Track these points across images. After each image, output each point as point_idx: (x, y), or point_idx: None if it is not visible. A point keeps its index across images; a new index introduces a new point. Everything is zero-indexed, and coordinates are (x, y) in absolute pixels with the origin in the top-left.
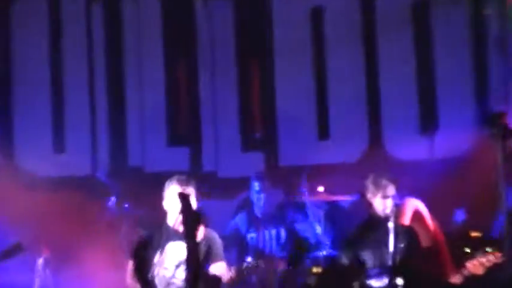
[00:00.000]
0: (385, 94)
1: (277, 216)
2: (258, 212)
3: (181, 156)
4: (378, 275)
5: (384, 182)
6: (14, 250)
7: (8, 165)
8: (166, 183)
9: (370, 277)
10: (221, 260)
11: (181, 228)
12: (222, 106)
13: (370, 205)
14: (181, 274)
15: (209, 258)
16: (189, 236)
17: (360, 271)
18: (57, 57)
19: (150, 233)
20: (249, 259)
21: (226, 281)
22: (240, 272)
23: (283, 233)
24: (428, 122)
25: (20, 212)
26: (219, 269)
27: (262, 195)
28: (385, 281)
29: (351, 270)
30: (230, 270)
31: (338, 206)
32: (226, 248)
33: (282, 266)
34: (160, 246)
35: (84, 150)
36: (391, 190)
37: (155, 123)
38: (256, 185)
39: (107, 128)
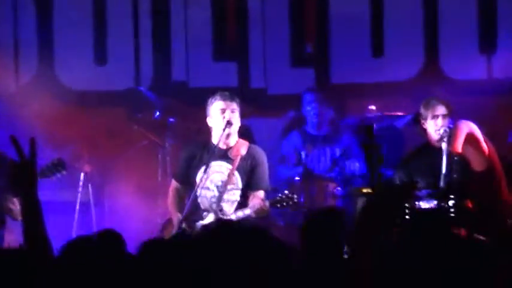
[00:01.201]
0: (443, 10)
1: (333, 135)
2: (310, 128)
3: (228, 71)
4: (428, 197)
5: (434, 101)
6: (55, 166)
7: (48, 79)
8: (210, 100)
9: (420, 199)
10: (262, 187)
11: (224, 146)
12: (272, 19)
13: (424, 131)
14: (227, 196)
15: (251, 180)
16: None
17: (410, 192)
18: None
19: (193, 151)
20: (297, 178)
21: (256, 210)
22: (273, 204)
23: (337, 151)
24: (487, 42)
25: (61, 127)
26: (256, 200)
27: (315, 108)
28: (435, 202)
29: (402, 191)
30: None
31: (391, 125)
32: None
33: (332, 187)
34: (203, 165)
35: (127, 62)
36: (441, 109)
37: (201, 36)
38: (308, 97)
39: (151, 40)
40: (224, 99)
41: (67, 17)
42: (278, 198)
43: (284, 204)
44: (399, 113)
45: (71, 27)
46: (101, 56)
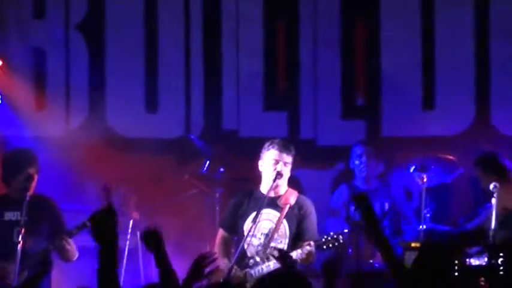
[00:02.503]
0: (495, 65)
1: (381, 188)
2: (359, 182)
3: (278, 121)
4: (478, 253)
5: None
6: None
7: (100, 126)
8: (267, 144)
9: (470, 255)
10: (310, 237)
11: (272, 194)
12: (323, 70)
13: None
14: (275, 243)
15: (299, 230)
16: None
17: (460, 248)
18: (153, 17)
19: (240, 199)
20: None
21: (304, 253)
22: (319, 246)
23: (386, 205)
24: None
25: (110, 173)
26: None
27: (364, 162)
28: (485, 259)
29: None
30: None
31: (439, 180)
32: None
33: None
34: (250, 213)
35: (178, 111)
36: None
37: (252, 86)
38: (358, 150)
39: (202, 89)
40: (280, 150)
41: (119, 63)
42: (324, 239)
43: (330, 246)
44: (450, 157)
45: (123, 73)
46: (152, 104)
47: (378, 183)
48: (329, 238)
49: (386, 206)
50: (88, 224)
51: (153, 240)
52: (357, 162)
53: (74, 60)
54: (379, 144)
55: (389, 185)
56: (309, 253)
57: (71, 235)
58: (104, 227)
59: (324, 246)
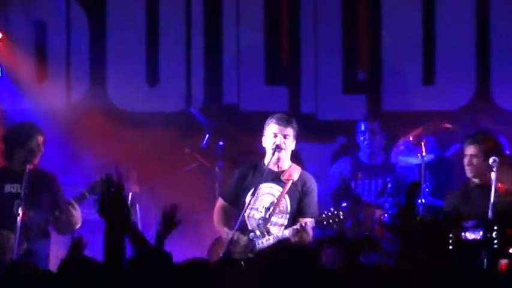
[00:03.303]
0: (495, 41)
1: (385, 164)
2: (363, 156)
3: (279, 95)
4: (474, 228)
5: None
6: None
7: (100, 99)
8: (267, 120)
9: (465, 229)
10: (311, 214)
11: (276, 169)
12: (324, 45)
13: None
14: (275, 219)
15: (300, 206)
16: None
17: (457, 222)
18: None
19: (244, 172)
20: (344, 205)
21: (294, 234)
22: (319, 223)
23: (389, 182)
24: None
25: (111, 146)
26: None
27: (367, 138)
28: (480, 233)
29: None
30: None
31: (440, 156)
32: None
33: (378, 214)
34: (253, 186)
35: (178, 84)
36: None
37: (253, 60)
38: (363, 126)
39: (203, 62)
40: (279, 123)
41: (120, 36)
42: (324, 216)
43: (330, 221)
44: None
45: (123, 46)
46: (152, 77)
47: (382, 158)
48: (329, 214)
49: (389, 182)
50: (87, 194)
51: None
52: (361, 138)
53: (75, 33)
54: (383, 120)
55: (392, 160)
56: (301, 232)
57: (71, 205)
58: (113, 205)
59: (324, 222)
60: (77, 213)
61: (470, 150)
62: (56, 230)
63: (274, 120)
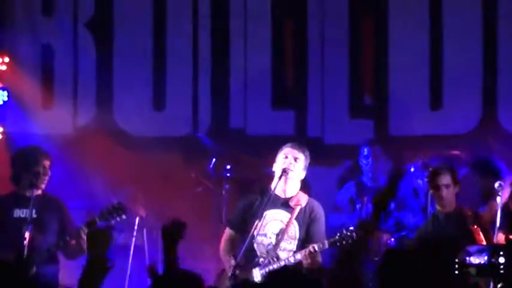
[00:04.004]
0: (502, 65)
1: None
2: (366, 180)
3: (285, 119)
4: (478, 252)
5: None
6: (116, 210)
7: (107, 124)
8: (282, 147)
9: (469, 254)
10: (320, 240)
11: (283, 195)
12: (331, 69)
13: None
14: (284, 245)
15: (308, 233)
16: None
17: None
18: (161, 15)
19: (251, 199)
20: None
21: (306, 256)
22: (333, 244)
23: (392, 203)
24: None
25: (117, 170)
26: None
27: (370, 162)
28: (485, 258)
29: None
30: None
31: None
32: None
33: (385, 238)
34: (260, 212)
35: (185, 109)
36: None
37: (260, 85)
38: (365, 151)
39: (210, 87)
40: (292, 147)
41: (127, 60)
42: (337, 237)
43: (344, 243)
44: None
45: (130, 70)
46: (159, 102)
47: (384, 180)
48: (342, 235)
49: (392, 203)
50: (98, 220)
51: (174, 234)
52: (364, 161)
53: (82, 57)
54: (386, 144)
55: (396, 184)
56: (311, 255)
57: (82, 231)
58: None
59: (338, 244)
60: (79, 245)
61: (445, 179)
62: (65, 256)
63: (288, 145)
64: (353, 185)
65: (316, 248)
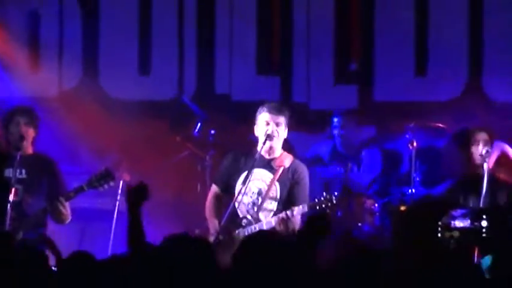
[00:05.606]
0: (488, 33)
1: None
2: (339, 146)
3: (271, 85)
4: (463, 216)
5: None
6: (104, 177)
7: (92, 87)
8: (259, 109)
9: (454, 218)
10: (302, 202)
11: (267, 156)
12: (316, 35)
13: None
14: (266, 203)
15: (290, 194)
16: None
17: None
18: None
19: (236, 157)
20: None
21: (280, 222)
22: (312, 207)
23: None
24: None
25: (102, 135)
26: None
27: (340, 133)
28: (468, 222)
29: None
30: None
31: (430, 144)
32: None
33: (369, 203)
34: (245, 171)
35: (170, 73)
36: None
37: (245, 50)
38: (335, 121)
39: (195, 52)
40: (271, 111)
41: (113, 25)
42: (317, 201)
43: (323, 206)
44: (440, 125)
45: (116, 35)
46: (145, 66)
47: (352, 148)
48: (322, 199)
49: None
50: (86, 188)
51: (137, 195)
52: (335, 131)
53: (68, 22)
54: (357, 114)
55: (375, 151)
56: (286, 221)
57: (68, 198)
58: (134, 200)
59: (317, 207)
60: (66, 210)
61: (483, 136)
62: (53, 220)
63: (265, 109)
64: (329, 145)
65: (289, 214)
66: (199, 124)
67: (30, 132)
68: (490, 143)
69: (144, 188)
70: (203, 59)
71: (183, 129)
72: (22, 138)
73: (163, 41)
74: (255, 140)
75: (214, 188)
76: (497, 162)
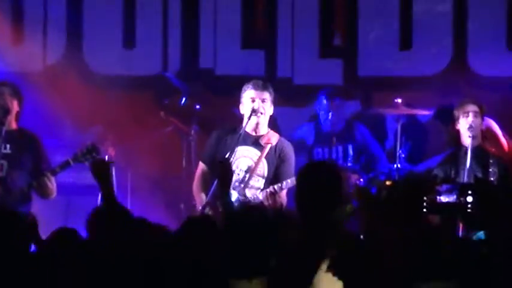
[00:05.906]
0: (473, 7)
1: (345, 133)
2: (324, 126)
3: (255, 59)
4: (448, 191)
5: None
6: (89, 152)
7: (76, 61)
8: (243, 87)
9: (440, 193)
10: (289, 177)
11: (254, 133)
12: (301, 9)
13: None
14: (252, 182)
15: (277, 172)
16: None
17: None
18: None
19: (222, 134)
20: None
21: (267, 197)
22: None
23: (350, 150)
24: None
25: (87, 110)
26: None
27: (326, 113)
28: (454, 197)
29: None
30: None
31: (416, 120)
32: None
33: (354, 178)
34: (231, 149)
35: (155, 48)
36: (472, 107)
37: (229, 24)
38: (323, 100)
39: (179, 26)
40: (256, 88)
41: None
42: None
43: None
44: (424, 112)
45: (100, 9)
46: (129, 40)
47: (342, 126)
48: None
49: (350, 149)
50: (71, 162)
51: (100, 170)
52: (322, 112)
53: None
54: (344, 91)
55: (353, 129)
56: (271, 196)
57: (54, 173)
58: (101, 173)
59: None
60: (52, 185)
61: (472, 107)
62: (38, 195)
63: (250, 86)
64: (311, 127)
65: (276, 188)
66: (183, 99)
67: (15, 105)
68: (480, 115)
69: (106, 164)
70: (188, 34)
71: (167, 104)
72: (7, 111)
73: (147, 15)
74: (239, 116)
75: (201, 166)
76: (483, 136)
